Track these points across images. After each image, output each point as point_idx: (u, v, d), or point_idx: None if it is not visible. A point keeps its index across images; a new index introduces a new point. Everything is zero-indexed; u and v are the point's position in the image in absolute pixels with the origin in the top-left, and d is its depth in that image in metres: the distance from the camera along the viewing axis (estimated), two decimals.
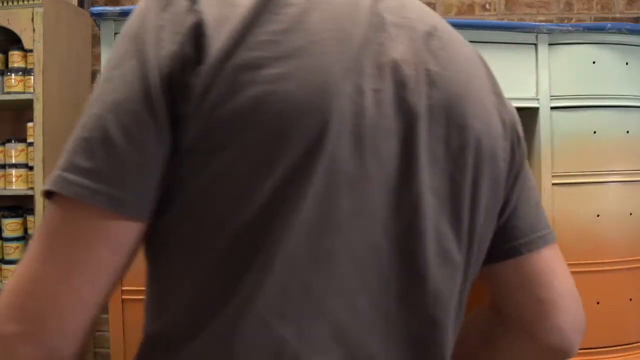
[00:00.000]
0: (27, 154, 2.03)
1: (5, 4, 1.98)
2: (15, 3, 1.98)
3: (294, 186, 0.47)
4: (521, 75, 1.48)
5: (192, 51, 0.47)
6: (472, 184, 0.56)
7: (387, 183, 0.52)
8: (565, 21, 2.50)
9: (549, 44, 1.49)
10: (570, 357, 0.66)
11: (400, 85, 0.52)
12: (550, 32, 1.48)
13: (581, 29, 1.49)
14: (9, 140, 2.06)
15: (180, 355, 0.49)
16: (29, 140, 2.01)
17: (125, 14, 1.27)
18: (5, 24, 1.98)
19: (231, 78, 0.47)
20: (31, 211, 1.99)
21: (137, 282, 1.25)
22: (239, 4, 0.50)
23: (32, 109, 1.96)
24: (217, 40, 0.48)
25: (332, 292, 0.50)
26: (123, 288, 1.27)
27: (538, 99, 1.49)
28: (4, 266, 2.02)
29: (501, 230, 0.63)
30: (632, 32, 1.51)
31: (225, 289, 0.48)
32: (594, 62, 1.50)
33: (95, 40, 2.32)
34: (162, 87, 0.47)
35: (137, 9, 0.52)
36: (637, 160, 1.53)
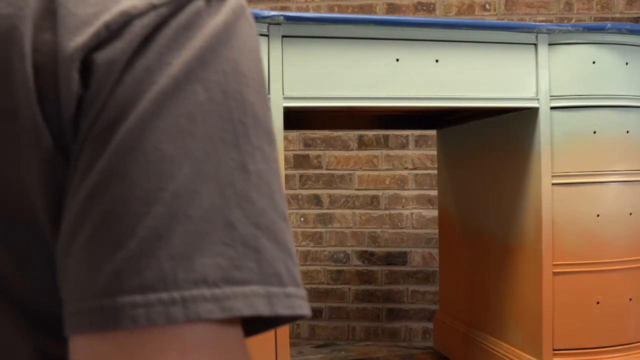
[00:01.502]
0: None
1: None
2: None
3: None
4: (521, 75, 1.48)
5: None
6: None
7: None
8: (565, 21, 2.50)
9: (549, 44, 1.49)
10: None
11: None
12: (550, 32, 1.48)
13: (581, 29, 1.49)
14: None
15: None
16: None
17: None
18: None
19: None
20: None
21: None
22: None
23: None
24: None
25: None
26: None
27: (538, 99, 1.49)
28: None
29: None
30: (632, 32, 1.51)
31: None
32: (594, 62, 1.50)
33: None
34: None
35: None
36: (637, 160, 1.53)
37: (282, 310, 0.32)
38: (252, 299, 0.31)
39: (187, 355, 0.29)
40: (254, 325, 0.34)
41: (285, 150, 1.37)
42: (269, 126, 0.36)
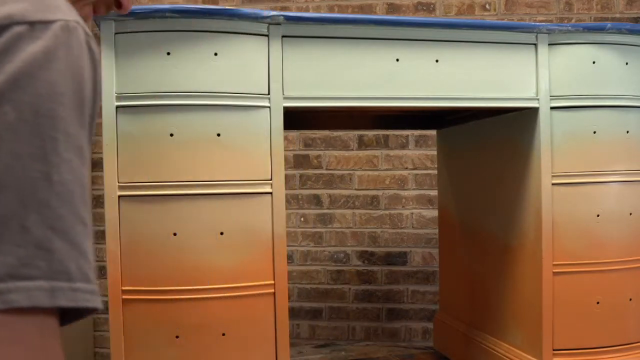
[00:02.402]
0: None
1: None
2: None
3: None
4: (521, 75, 1.48)
5: None
6: None
7: None
8: (565, 21, 2.50)
9: (549, 44, 1.49)
10: None
11: None
12: (550, 32, 1.48)
13: (581, 29, 1.49)
14: None
15: None
16: None
17: (125, 14, 1.27)
18: None
19: None
20: None
21: (137, 282, 1.26)
22: None
23: None
24: None
25: None
26: (123, 288, 1.27)
27: (538, 99, 1.49)
28: None
29: None
30: (632, 32, 1.51)
31: None
32: (594, 62, 1.50)
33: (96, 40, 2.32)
34: None
35: None
36: (637, 160, 1.53)
37: (64, 302, 0.36)
38: (33, 293, 0.35)
39: None
40: (72, 314, 0.39)
41: (285, 150, 1.37)
42: (80, 141, 0.40)
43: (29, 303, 0.35)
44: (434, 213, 2.45)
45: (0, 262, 0.34)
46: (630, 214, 1.53)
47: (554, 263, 1.48)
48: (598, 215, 1.50)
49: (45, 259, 0.36)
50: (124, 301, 1.28)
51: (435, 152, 2.37)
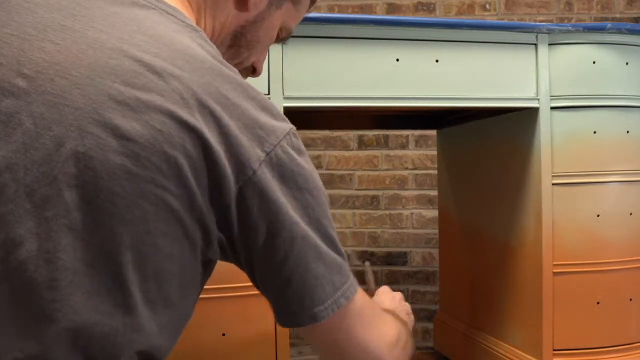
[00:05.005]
0: None
1: None
2: None
3: None
4: (521, 75, 1.48)
5: None
6: None
7: None
8: (565, 21, 2.50)
9: (549, 44, 1.49)
10: None
11: None
12: (550, 32, 1.48)
13: (581, 29, 1.49)
14: None
15: None
16: None
17: None
18: None
19: None
20: None
21: None
22: None
23: None
24: None
25: None
26: None
27: (538, 99, 1.49)
28: None
29: None
30: (632, 32, 1.51)
31: None
32: (594, 62, 1.50)
33: None
34: None
35: None
36: (637, 160, 1.53)
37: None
38: (354, 284, 0.67)
39: (359, 315, 0.67)
40: None
41: None
42: None
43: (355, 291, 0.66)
44: (434, 213, 2.45)
45: (335, 277, 0.64)
46: (631, 214, 1.53)
47: (554, 263, 1.48)
48: (598, 215, 1.50)
49: (338, 273, 0.64)
50: None
51: (435, 152, 2.37)
